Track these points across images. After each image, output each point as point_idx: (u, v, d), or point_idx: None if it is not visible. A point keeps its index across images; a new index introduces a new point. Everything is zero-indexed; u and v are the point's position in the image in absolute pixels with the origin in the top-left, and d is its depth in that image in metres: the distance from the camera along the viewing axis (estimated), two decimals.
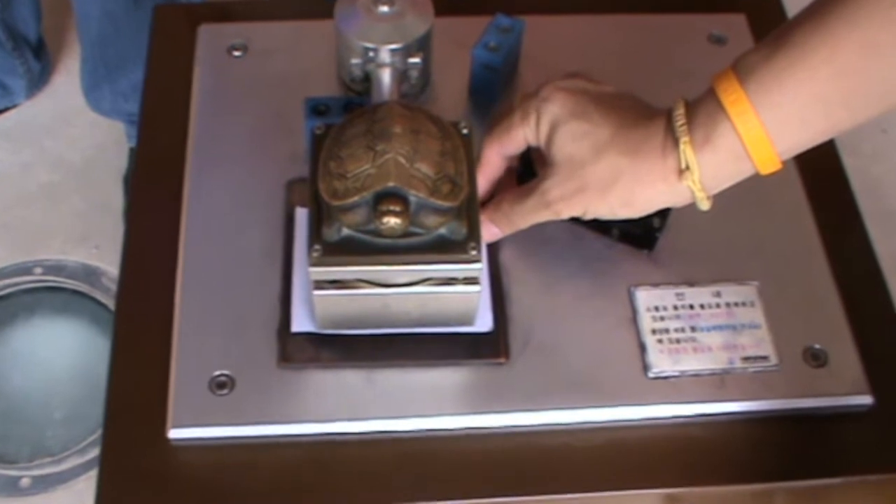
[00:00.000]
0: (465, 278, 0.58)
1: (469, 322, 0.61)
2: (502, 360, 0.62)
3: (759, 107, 0.51)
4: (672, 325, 0.64)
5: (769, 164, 0.53)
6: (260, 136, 0.71)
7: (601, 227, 0.66)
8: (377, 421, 0.60)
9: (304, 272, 0.61)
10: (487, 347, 0.62)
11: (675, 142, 0.54)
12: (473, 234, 0.56)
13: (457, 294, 0.59)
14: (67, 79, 1.59)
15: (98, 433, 1.27)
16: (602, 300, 0.65)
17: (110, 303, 1.36)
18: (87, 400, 1.31)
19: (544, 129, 0.58)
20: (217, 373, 0.60)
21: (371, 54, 0.67)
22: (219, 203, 0.68)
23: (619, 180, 0.56)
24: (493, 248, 0.66)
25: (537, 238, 0.66)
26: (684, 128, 0.53)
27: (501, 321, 0.63)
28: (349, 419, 0.59)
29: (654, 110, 0.57)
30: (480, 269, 0.56)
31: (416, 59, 0.68)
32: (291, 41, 0.77)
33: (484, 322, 0.62)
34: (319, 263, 0.55)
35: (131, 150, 1.48)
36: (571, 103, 0.57)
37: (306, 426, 0.59)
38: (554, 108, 0.57)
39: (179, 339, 0.62)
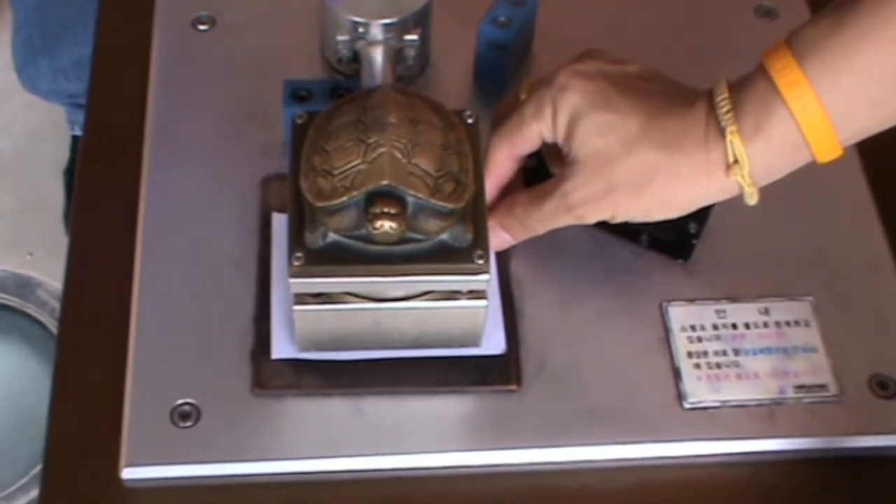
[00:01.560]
0: (471, 291, 0.60)
1: (475, 343, 0.63)
2: (513, 387, 0.63)
3: (821, 89, 0.52)
4: (711, 347, 0.65)
5: (830, 152, 0.54)
6: (230, 124, 0.73)
7: (629, 232, 0.68)
8: (367, 458, 0.61)
9: (284, 286, 0.63)
10: (496, 372, 0.63)
11: (721, 132, 0.55)
12: (480, 240, 0.58)
13: (460, 310, 0.60)
14: None
15: (29, 476, 1.28)
16: (630, 318, 0.66)
17: (46, 319, 1.38)
18: (15, 435, 1.32)
19: (562, 122, 0.59)
20: (180, 401, 0.62)
21: (361, 30, 0.69)
22: (181, 204, 0.69)
23: (655, 178, 0.57)
24: (503, 257, 0.67)
25: (554, 245, 0.67)
26: (730, 115, 0.55)
27: (513, 342, 0.64)
28: (334, 456, 0.61)
29: (691, 93, 0.58)
30: (488, 280, 0.58)
31: (413, 36, 0.69)
32: (267, 13, 0.78)
33: (493, 343, 0.64)
34: (301, 274, 0.57)
35: (74, 138, 1.49)
36: (592, 91, 0.59)
37: (284, 464, 0.61)
38: (573, 97, 0.59)
39: (135, 362, 0.63)
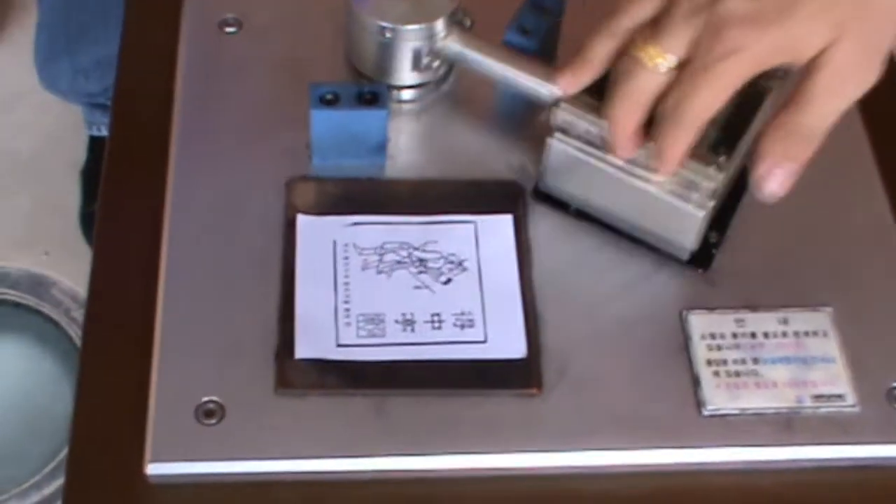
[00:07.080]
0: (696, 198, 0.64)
1: (682, 253, 0.68)
2: (534, 391, 0.64)
3: None
4: (730, 355, 0.66)
5: None
6: (255, 127, 0.74)
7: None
8: (389, 458, 0.62)
9: (309, 288, 0.64)
10: (518, 376, 0.64)
11: None
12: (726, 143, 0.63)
13: (680, 209, 0.65)
14: (12, 50, 1.62)
15: (42, 473, 1.29)
16: (650, 325, 0.67)
17: (61, 318, 1.39)
18: (28, 434, 1.33)
19: None
20: (204, 399, 0.63)
21: (388, 35, 0.70)
22: (207, 204, 0.70)
23: None
24: (525, 265, 0.68)
25: (576, 253, 0.69)
26: None
27: (534, 347, 0.65)
28: (356, 455, 0.62)
29: None
30: (720, 182, 0.63)
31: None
32: (294, 17, 0.79)
33: (514, 347, 0.65)
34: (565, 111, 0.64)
35: (91, 138, 1.50)
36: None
37: (307, 463, 0.62)
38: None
39: (160, 359, 0.64)
